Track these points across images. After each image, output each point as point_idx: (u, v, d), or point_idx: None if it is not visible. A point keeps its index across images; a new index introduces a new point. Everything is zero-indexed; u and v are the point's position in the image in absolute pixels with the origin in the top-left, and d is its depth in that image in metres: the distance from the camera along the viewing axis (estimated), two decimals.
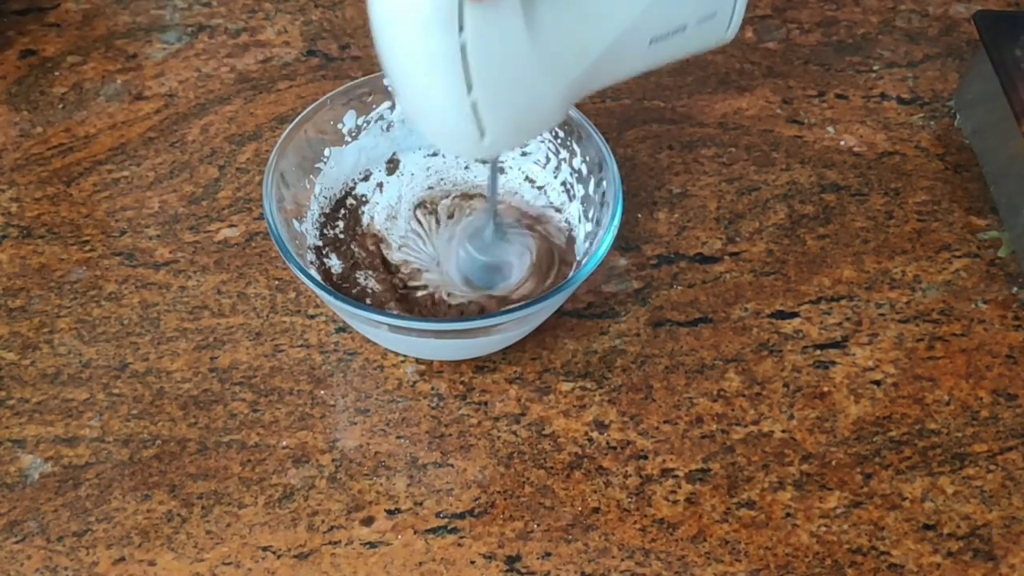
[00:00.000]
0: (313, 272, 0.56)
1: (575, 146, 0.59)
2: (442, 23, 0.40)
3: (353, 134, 0.60)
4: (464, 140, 0.45)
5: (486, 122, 0.44)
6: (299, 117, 0.57)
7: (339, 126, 0.59)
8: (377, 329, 0.52)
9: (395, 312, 0.55)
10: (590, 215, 0.58)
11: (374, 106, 0.60)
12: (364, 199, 0.61)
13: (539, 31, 0.42)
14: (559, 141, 0.60)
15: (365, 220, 0.60)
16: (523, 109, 0.46)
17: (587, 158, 0.58)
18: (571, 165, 0.60)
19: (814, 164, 0.67)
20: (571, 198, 0.60)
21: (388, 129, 0.61)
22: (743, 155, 0.68)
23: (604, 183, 0.56)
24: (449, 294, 0.56)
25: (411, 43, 0.42)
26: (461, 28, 0.40)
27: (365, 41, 0.74)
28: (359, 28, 0.75)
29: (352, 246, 0.58)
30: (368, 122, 0.60)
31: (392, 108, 0.60)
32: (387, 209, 0.60)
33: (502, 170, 0.62)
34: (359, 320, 0.52)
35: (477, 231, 0.57)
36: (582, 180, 0.59)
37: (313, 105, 0.57)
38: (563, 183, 0.61)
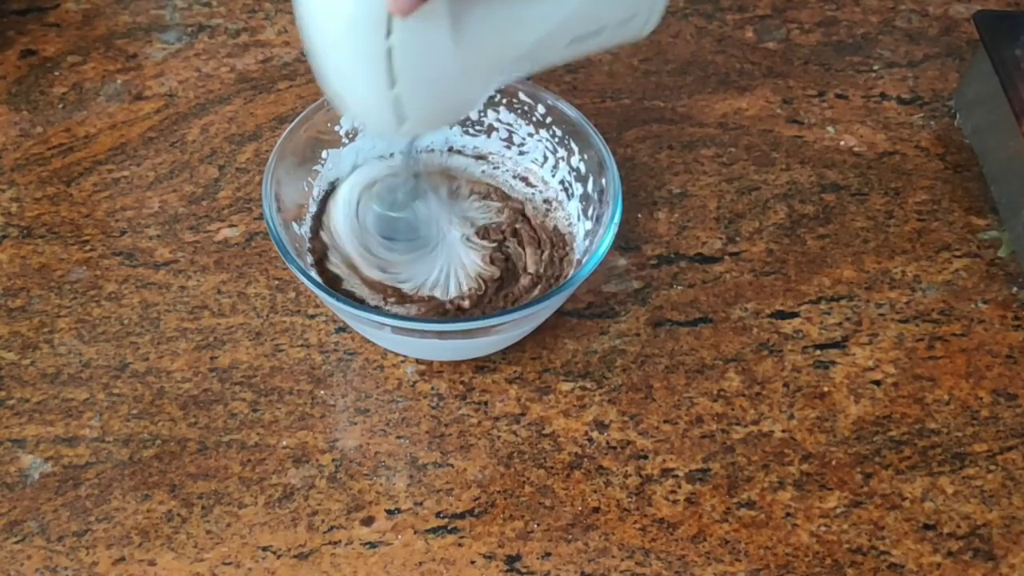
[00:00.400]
0: (313, 274, 0.56)
1: (573, 144, 0.59)
2: (369, 26, 0.41)
3: (350, 136, 0.60)
4: (385, 126, 0.47)
5: (408, 112, 0.45)
6: (297, 119, 0.57)
7: (336, 128, 0.59)
8: (379, 331, 0.52)
9: (396, 313, 0.55)
10: (589, 212, 0.58)
11: None
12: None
13: (463, 36, 0.43)
14: (557, 140, 0.60)
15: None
16: (443, 101, 0.47)
17: (586, 156, 0.58)
18: (569, 164, 0.60)
19: (814, 164, 0.67)
20: (569, 196, 0.60)
21: None
22: (743, 155, 0.68)
23: (604, 181, 0.56)
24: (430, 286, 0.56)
25: (338, 42, 0.43)
26: (388, 32, 0.41)
27: None
28: None
29: None
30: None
31: None
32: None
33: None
34: (361, 322, 0.52)
35: (389, 189, 0.58)
36: (580, 178, 0.59)
37: (311, 107, 0.57)
38: (561, 181, 0.61)
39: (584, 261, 0.54)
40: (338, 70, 0.45)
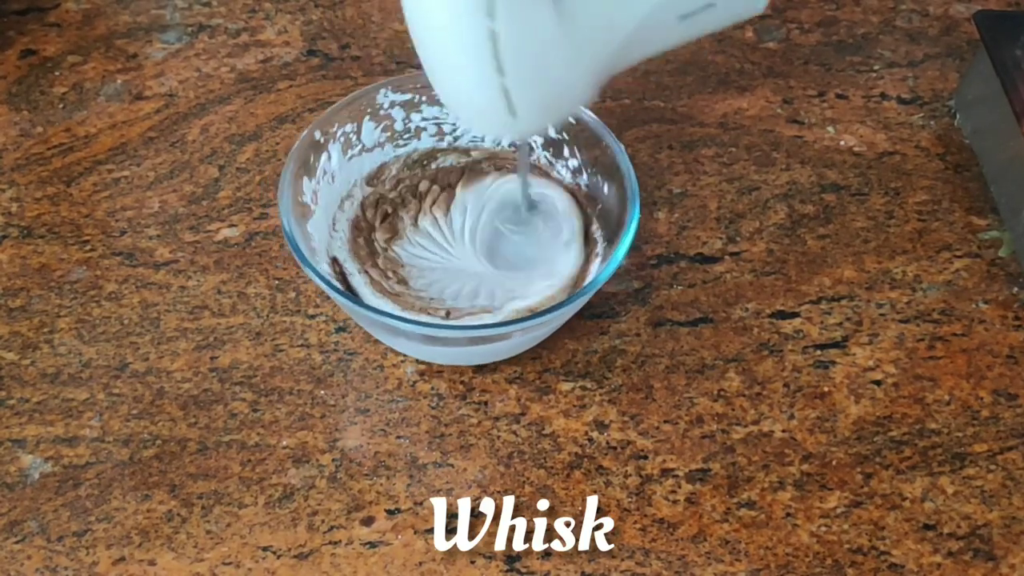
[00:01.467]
0: (333, 280, 0.55)
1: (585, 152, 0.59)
2: (472, 9, 0.40)
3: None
4: (496, 121, 0.46)
5: (517, 104, 0.44)
6: (320, 119, 0.57)
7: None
8: (409, 340, 0.52)
9: (428, 321, 0.54)
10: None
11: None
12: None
13: (568, 14, 0.42)
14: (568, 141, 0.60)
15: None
16: (554, 90, 0.46)
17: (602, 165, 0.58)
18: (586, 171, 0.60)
19: (814, 164, 0.67)
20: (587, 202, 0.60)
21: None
22: (743, 155, 0.68)
23: (622, 189, 0.56)
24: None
25: (442, 29, 0.42)
26: (491, 15, 0.40)
27: (365, 41, 0.74)
28: (359, 28, 0.75)
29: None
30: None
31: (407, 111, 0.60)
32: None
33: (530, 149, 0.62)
34: (379, 327, 0.52)
35: (508, 208, 0.57)
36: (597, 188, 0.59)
37: (333, 107, 0.57)
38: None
39: (602, 267, 0.53)
40: (445, 62, 0.44)
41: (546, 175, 0.61)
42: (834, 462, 0.54)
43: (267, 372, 0.57)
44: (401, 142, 0.60)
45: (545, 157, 0.62)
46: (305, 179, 0.56)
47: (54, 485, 0.52)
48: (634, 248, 0.62)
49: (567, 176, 0.61)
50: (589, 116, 0.58)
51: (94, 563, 0.50)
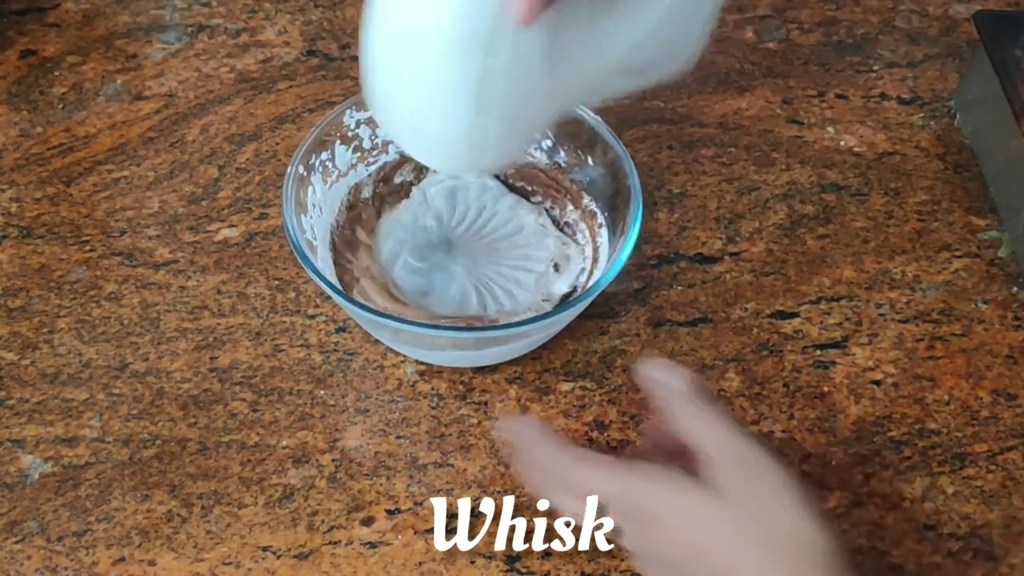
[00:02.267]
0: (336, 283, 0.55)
1: (589, 151, 0.59)
2: (470, 46, 0.39)
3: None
4: (463, 159, 0.45)
5: (488, 143, 0.44)
6: (320, 126, 0.57)
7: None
8: (424, 348, 0.53)
9: (439, 324, 0.54)
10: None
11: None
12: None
13: (554, 59, 0.42)
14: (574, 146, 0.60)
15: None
16: (524, 131, 0.46)
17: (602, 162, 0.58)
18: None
19: (814, 164, 0.67)
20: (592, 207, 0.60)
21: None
22: (743, 155, 0.68)
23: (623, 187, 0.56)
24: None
25: (429, 62, 0.41)
26: (492, 52, 0.39)
27: None
28: (359, 28, 0.75)
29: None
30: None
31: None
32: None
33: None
34: (383, 329, 0.52)
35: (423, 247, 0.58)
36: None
37: (336, 111, 0.57)
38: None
39: (605, 269, 0.53)
40: (419, 97, 0.43)
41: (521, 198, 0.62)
42: (834, 462, 0.54)
43: (267, 372, 0.57)
44: (371, 159, 0.60)
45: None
46: (303, 216, 0.55)
47: (54, 485, 0.52)
48: (634, 248, 0.62)
49: (543, 159, 0.61)
50: (592, 117, 0.57)
51: (94, 563, 0.50)
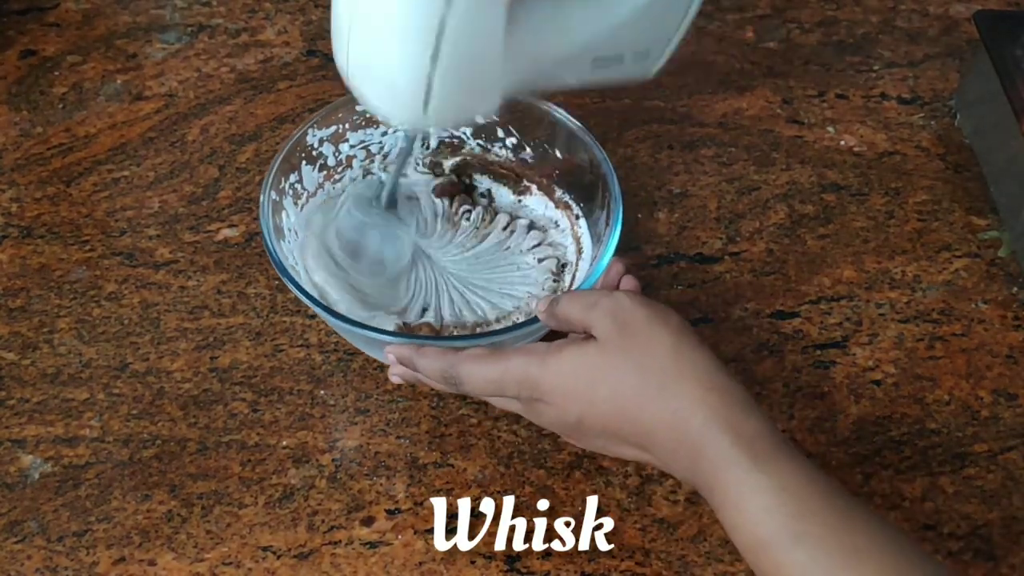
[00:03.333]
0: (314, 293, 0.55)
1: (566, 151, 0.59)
2: None
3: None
4: (408, 108, 0.46)
5: (436, 97, 0.45)
6: (291, 141, 0.56)
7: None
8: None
9: (422, 335, 0.54)
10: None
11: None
12: None
13: (514, 26, 0.43)
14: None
15: None
16: (471, 93, 0.47)
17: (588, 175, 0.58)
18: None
19: (814, 164, 0.67)
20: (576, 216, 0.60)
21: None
22: (743, 155, 0.68)
23: (604, 195, 0.55)
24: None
25: (390, 7, 0.43)
26: (449, 3, 0.41)
27: None
28: None
29: None
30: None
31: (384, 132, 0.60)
32: None
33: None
34: (367, 342, 0.52)
35: (364, 197, 0.57)
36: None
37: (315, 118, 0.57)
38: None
39: (587, 274, 0.53)
40: (374, 40, 0.44)
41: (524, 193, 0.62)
42: (834, 462, 0.54)
43: (267, 372, 0.57)
44: (336, 176, 0.60)
45: (480, 145, 0.62)
46: (282, 242, 0.55)
47: (54, 485, 0.52)
48: (634, 248, 0.62)
49: (506, 155, 0.61)
50: (569, 119, 0.57)
51: (94, 563, 0.50)
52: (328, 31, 0.74)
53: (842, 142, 0.69)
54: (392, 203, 0.57)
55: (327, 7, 0.76)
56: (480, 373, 0.46)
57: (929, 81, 0.73)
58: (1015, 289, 0.61)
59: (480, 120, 0.56)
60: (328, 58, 0.73)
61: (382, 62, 0.45)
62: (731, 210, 0.65)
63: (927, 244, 0.63)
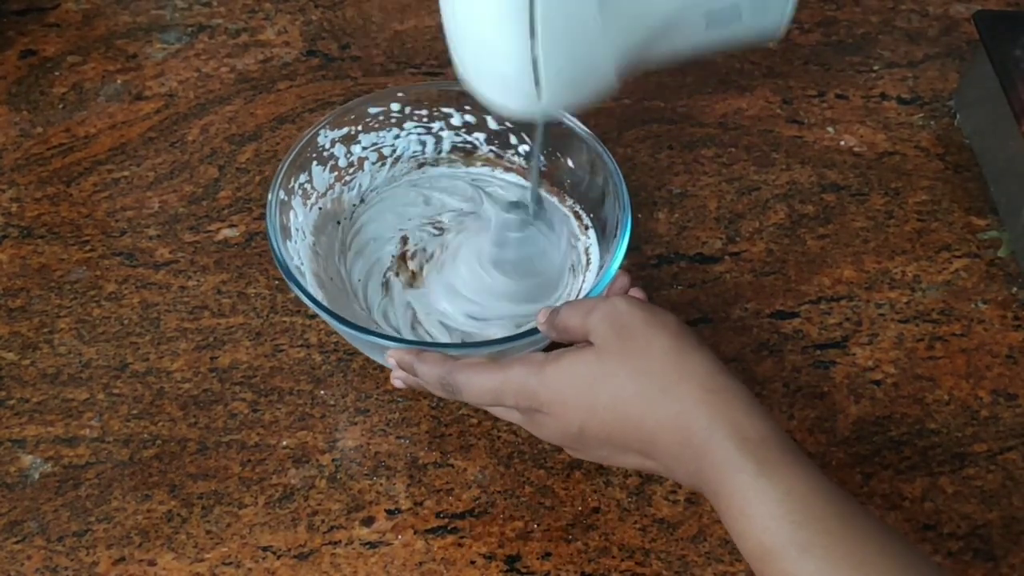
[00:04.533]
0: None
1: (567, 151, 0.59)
2: None
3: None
4: (521, 94, 0.45)
5: (544, 76, 0.44)
6: (299, 144, 0.56)
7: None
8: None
9: (423, 341, 0.54)
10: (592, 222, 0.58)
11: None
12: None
13: None
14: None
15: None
16: (581, 68, 0.46)
17: (597, 180, 0.57)
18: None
19: (814, 164, 0.67)
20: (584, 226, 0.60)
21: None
22: (743, 155, 0.68)
23: (614, 204, 0.55)
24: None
25: None
26: None
27: (365, 41, 0.74)
28: (359, 28, 0.75)
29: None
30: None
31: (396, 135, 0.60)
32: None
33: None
34: (369, 346, 0.52)
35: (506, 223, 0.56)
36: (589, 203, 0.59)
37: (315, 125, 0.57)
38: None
39: (596, 280, 0.53)
40: (476, 26, 0.44)
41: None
42: (834, 462, 0.54)
43: (267, 372, 0.57)
44: (347, 177, 0.60)
45: (493, 150, 0.62)
46: (288, 242, 0.54)
47: (54, 485, 0.52)
48: (634, 248, 0.62)
49: (519, 162, 0.61)
50: (579, 127, 0.57)
51: (94, 563, 0.50)
52: (328, 31, 0.75)
53: (842, 142, 0.69)
54: (539, 203, 0.56)
55: (327, 7, 0.76)
56: (478, 382, 0.46)
57: (929, 81, 0.73)
58: (1015, 289, 0.61)
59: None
60: (328, 58, 0.73)
61: (487, 54, 0.45)
62: (731, 210, 0.65)
63: (927, 244, 0.63)
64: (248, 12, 0.76)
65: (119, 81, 0.71)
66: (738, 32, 0.48)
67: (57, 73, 0.72)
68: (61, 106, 0.70)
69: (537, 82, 0.44)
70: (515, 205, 0.56)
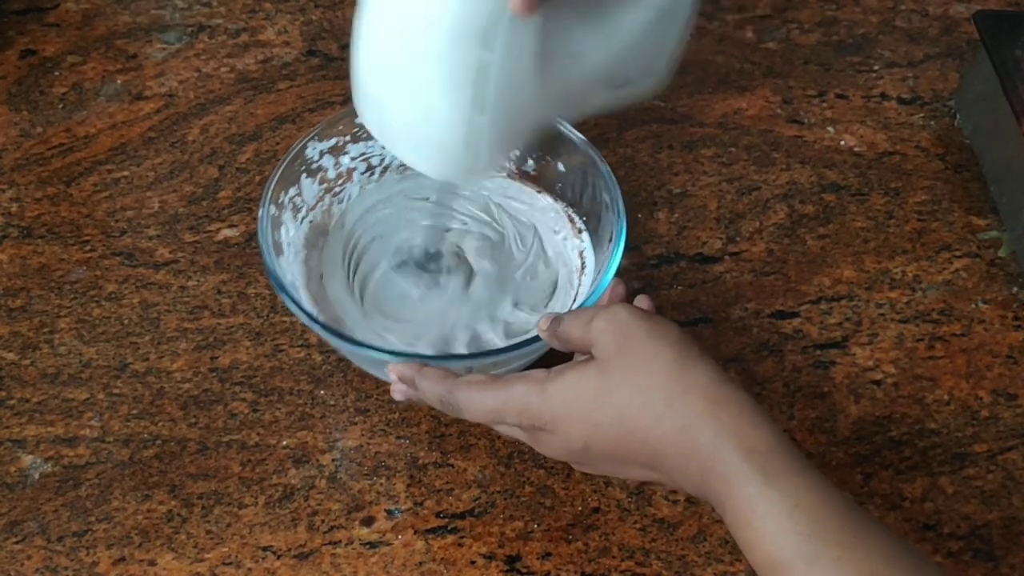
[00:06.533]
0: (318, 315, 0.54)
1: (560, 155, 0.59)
2: (468, 37, 0.39)
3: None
4: (457, 162, 0.45)
5: (486, 144, 0.43)
6: (290, 154, 0.56)
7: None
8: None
9: (419, 353, 0.53)
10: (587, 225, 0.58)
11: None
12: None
13: (544, 63, 0.42)
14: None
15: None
16: (514, 135, 0.46)
17: (592, 187, 0.57)
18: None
19: (814, 164, 0.67)
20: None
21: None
22: (743, 155, 0.68)
23: (608, 211, 0.55)
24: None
25: (426, 56, 0.41)
26: (488, 46, 0.39)
27: None
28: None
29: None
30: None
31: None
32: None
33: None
34: (366, 360, 0.52)
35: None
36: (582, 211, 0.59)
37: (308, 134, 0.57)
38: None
39: (591, 289, 0.53)
40: (416, 93, 0.42)
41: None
42: (834, 462, 0.54)
43: (267, 372, 0.57)
44: (336, 189, 0.59)
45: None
46: (280, 258, 0.54)
47: (54, 485, 0.52)
48: (634, 248, 0.62)
49: (510, 167, 0.61)
50: (571, 132, 0.57)
51: (94, 563, 0.50)
52: (328, 31, 0.75)
53: (842, 142, 0.69)
54: (436, 259, 0.57)
55: (327, 7, 0.76)
56: (479, 401, 0.45)
57: (929, 81, 0.73)
58: (1015, 289, 0.61)
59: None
60: (328, 58, 0.73)
61: (424, 120, 0.43)
62: (731, 210, 0.65)
63: (927, 244, 0.63)
64: (248, 12, 0.76)
65: (119, 81, 0.71)
66: (630, 92, 0.49)
67: (57, 73, 0.72)
68: (61, 106, 0.70)
69: (479, 152, 0.44)
70: (403, 264, 0.57)
